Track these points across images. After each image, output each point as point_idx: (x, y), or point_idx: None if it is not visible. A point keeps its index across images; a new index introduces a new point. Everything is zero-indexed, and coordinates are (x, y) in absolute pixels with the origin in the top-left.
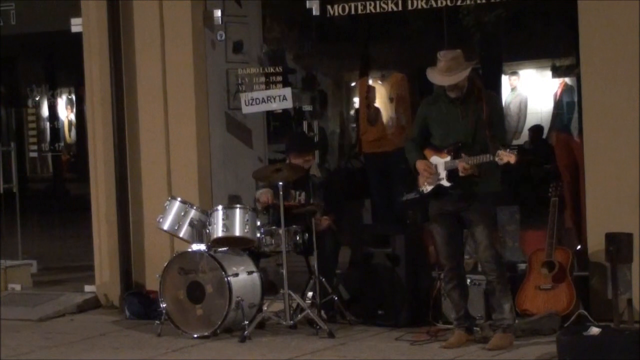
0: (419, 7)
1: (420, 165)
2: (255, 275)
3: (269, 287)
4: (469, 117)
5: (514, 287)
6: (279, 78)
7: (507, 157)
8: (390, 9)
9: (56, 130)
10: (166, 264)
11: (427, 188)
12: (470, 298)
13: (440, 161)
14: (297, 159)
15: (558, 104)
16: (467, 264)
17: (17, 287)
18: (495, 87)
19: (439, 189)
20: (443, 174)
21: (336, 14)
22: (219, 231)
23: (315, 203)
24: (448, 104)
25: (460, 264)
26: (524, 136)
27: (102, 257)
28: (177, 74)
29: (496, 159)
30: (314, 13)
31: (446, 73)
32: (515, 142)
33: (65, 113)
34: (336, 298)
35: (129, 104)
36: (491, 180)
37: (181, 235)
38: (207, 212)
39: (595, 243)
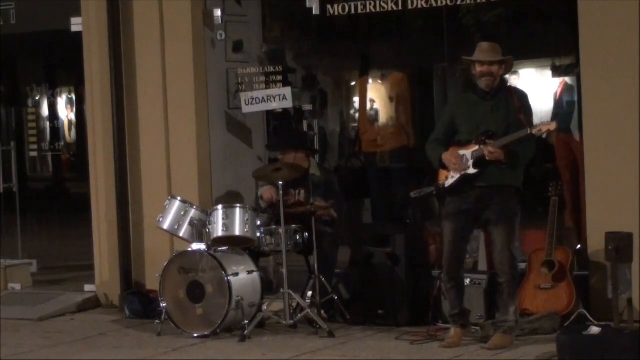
0: (419, 6)
1: (447, 155)
2: (255, 275)
3: (269, 287)
4: (499, 111)
5: None
6: (279, 77)
7: (546, 126)
8: (390, 9)
9: (56, 129)
10: (166, 263)
11: (450, 181)
12: (470, 298)
13: (467, 152)
14: (282, 158)
15: (558, 104)
16: (467, 264)
17: (17, 287)
18: None
19: (462, 180)
20: (470, 162)
21: (336, 13)
22: (219, 230)
23: (315, 203)
24: (478, 99)
25: (462, 265)
26: None
27: (102, 256)
28: (177, 73)
29: (534, 131)
30: (314, 12)
31: (486, 53)
32: None
33: (65, 112)
34: (336, 298)
35: (129, 103)
36: (516, 173)
37: (181, 234)
38: (207, 212)
39: (595, 243)
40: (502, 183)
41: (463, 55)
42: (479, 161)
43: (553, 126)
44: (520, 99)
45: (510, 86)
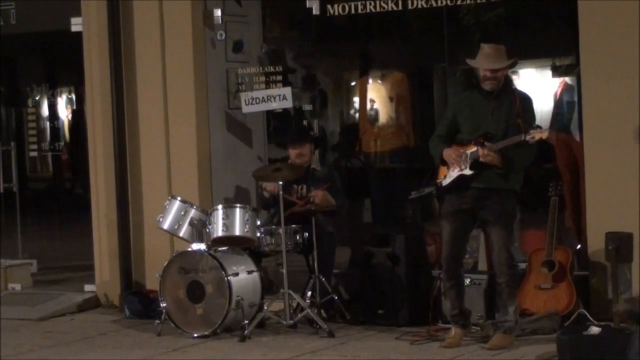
0: (419, 6)
1: (448, 151)
2: (256, 275)
3: (269, 287)
4: (500, 112)
5: None
6: (279, 77)
7: (539, 133)
8: (390, 9)
9: (56, 129)
10: (166, 263)
11: (447, 180)
12: (470, 297)
13: (466, 153)
14: (291, 152)
15: (558, 104)
16: (467, 264)
17: (17, 287)
18: None
19: (459, 180)
20: (467, 163)
21: (336, 13)
22: (219, 230)
23: (312, 196)
24: (481, 98)
25: (461, 264)
26: None
27: (102, 256)
28: (177, 73)
29: (527, 137)
30: (314, 12)
31: (490, 59)
32: None
33: (65, 112)
34: (336, 298)
35: (129, 103)
36: (514, 177)
37: (181, 234)
38: (207, 212)
39: (595, 242)
40: (499, 187)
41: (463, 55)
42: (475, 163)
43: (545, 134)
44: (522, 103)
45: (515, 88)
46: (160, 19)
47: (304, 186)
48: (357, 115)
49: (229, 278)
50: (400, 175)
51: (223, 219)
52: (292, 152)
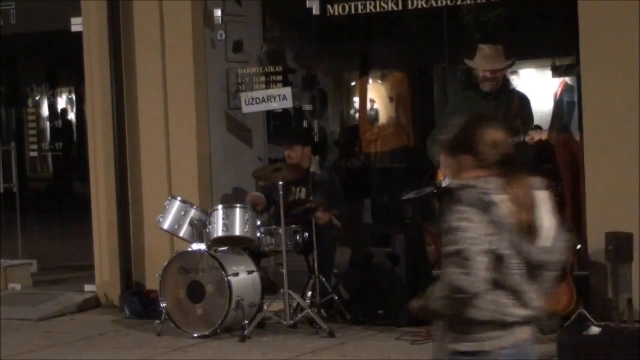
0: (419, 6)
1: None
2: (256, 275)
3: (269, 287)
4: (499, 113)
5: None
6: (279, 77)
7: (538, 134)
8: (390, 9)
9: (56, 129)
10: (166, 263)
11: (447, 180)
12: None
13: None
14: (284, 151)
15: (558, 104)
16: None
17: (17, 287)
18: None
19: None
20: None
21: (336, 13)
22: (219, 230)
23: (315, 200)
24: (480, 99)
25: None
26: None
27: (102, 256)
28: (177, 73)
29: (527, 138)
30: (314, 12)
31: (489, 59)
32: None
33: (65, 112)
34: (336, 298)
35: (129, 103)
36: None
37: (181, 234)
38: (207, 212)
39: (595, 242)
40: None
41: (463, 55)
42: None
43: (544, 135)
44: (520, 103)
45: (513, 89)
46: (160, 19)
47: (303, 189)
48: (357, 115)
49: (229, 278)
50: (400, 176)
51: (223, 219)
52: (284, 152)
